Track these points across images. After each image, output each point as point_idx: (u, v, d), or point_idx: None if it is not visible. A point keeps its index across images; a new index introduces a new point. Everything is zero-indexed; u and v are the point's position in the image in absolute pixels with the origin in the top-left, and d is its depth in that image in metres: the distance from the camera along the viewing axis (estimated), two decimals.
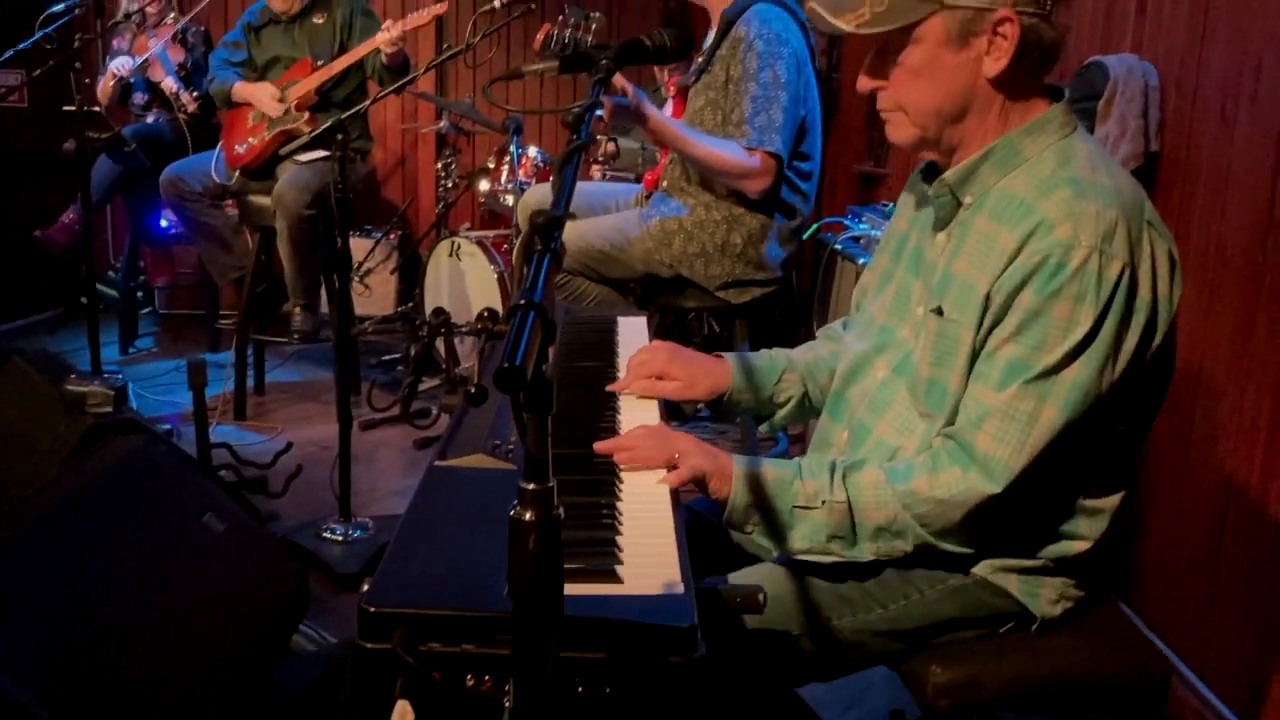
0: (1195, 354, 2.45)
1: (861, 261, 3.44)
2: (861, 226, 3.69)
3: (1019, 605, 1.61)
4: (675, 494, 1.49)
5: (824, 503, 1.52)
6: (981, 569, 1.59)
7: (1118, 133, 2.59)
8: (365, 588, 1.14)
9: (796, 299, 4.56)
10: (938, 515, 1.50)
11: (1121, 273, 1.42)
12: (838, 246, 3.70)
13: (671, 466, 1.55)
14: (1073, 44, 2.44)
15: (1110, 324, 1.42)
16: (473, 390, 0.90)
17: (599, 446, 1.57)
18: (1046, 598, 1.61)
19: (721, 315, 4.13)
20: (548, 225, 1.05)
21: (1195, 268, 2.47)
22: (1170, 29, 2.57)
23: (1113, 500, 1.58)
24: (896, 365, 1.62)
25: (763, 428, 1.96)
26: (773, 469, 1.55)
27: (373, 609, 1.11)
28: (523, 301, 0.91)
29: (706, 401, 1.88)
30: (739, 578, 1.59)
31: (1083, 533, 1.57)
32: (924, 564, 1.58)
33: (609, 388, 1.85)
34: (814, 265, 4.16)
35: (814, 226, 3.96)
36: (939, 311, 1.53)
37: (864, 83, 1.54)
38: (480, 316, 0.96)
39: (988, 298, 1.47)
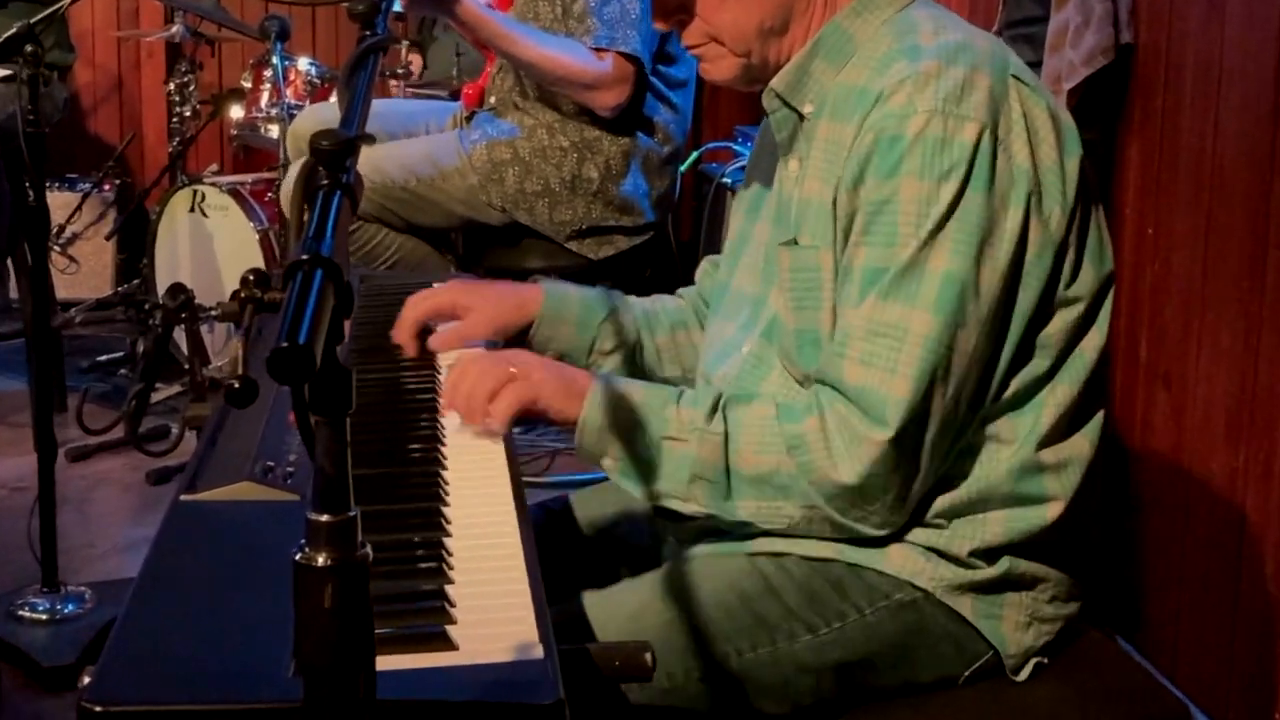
0: (1193, 304, 2.53)
1: None
2: None
3: (981, 636, 1.65)
4: (522, 506, 1.52)
5: (696, 431, 1.59)
6: (931, 582, 1.64)
7: (1079, 20, 2.66)
8: (86, 680, 1.12)
9: (675, 252, 4.57)
10: (828, 470, 1.55)
11: (980, 136, 1.52)
12: (726, 180, 3.74)
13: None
14: None
15: (976, 199, 1.52)
16: (236, 386, 0.88)
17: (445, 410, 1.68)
18: (1013, 621, 1.66)
19: (575, 276, 4.10)
20: (337, 150, 1.04)
21: (1188, 190, 2.55)
22: None
23: (1079, 446, 1.64)
24: (765, 330, 1.71)
25: None
26: (643, 389, 1.65)
27: (98, 709, 1.09)
28: (306, 257, 0.90)
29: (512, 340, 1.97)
30: (614, 597, 1.62)
31: (1047, 492, 1.63)
32: (853, 568, 1.63)
33: (395, 336, 1.93)
34: (696, 207, 4.18)
35: (693, 155, 3.99)
36: (794, 243, 1.64)
37: (661, 23, 1.70)
38: (244, 283, 0.94)
39: (834, 205, 1.59)
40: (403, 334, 1.93)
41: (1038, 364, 1.60)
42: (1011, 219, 1.54)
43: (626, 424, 1.61)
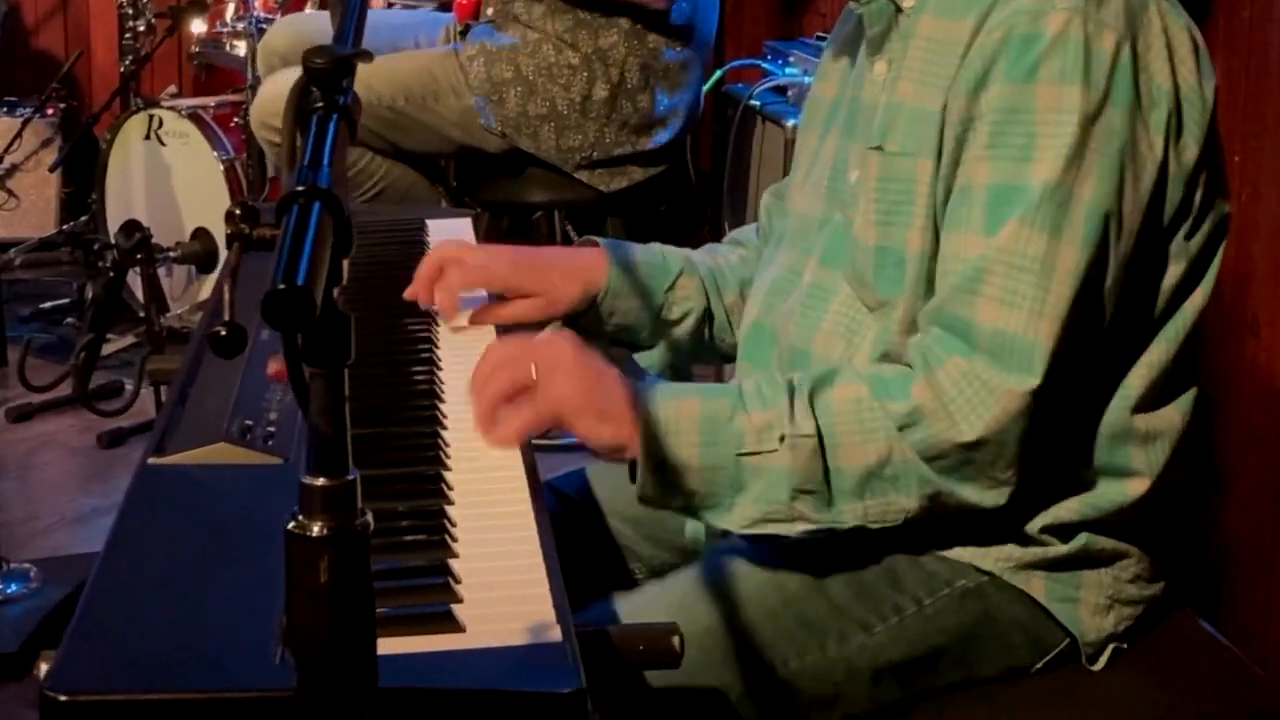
0: None
1: (792, 123, 3.45)
2: (790, 71, 3.72)
3: (1055, 622, 1.65)
4: (532, 471, 1.51)
5: (783, 439, 1.53)
6: (997, 563, 1.62)
7: None
8: (44, 668, 1.12)
9: (694, 184, 4.56)
10: (950, 436, 1.51)
11: (1118, 48, 1.51)
12: (754, 102, 3.71)
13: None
14: None
15: (1118, 117, 1.51)
16: (223, 334, 0.87)
17: (489, 437, 1.58)
18: (1091, 604, 1.65)
19: (583, 212, 4.11)
20: (332, 69, 1.04)
21: (1278, 111, 2.53)
22: None
23: (1170, 419, 1.63)
24: (826, 253, 1.69)
25: (645, 362, 2.00)
26: (698, 402, 1.56)
27: (64, 698, 1.09)
28: (302, 188, 0.90)
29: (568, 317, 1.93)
30: (642, 606, 1.61)
31: (1132, 466, 1.62)
32: (914, 548, 1.61)
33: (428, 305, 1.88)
34: (719, 134, 4.16)
35: (716, 74, 3.96)
36: (880, 150, 1.63)
37: None
38: (230, 217, 0.94)
39: (944, 110, 1.56)
40: (419, 280, 1.88)
41: (1142, 318, 1.59)
42: (1154, 145, 1.52)
43: (692, 456, 1.54)
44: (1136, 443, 1.62)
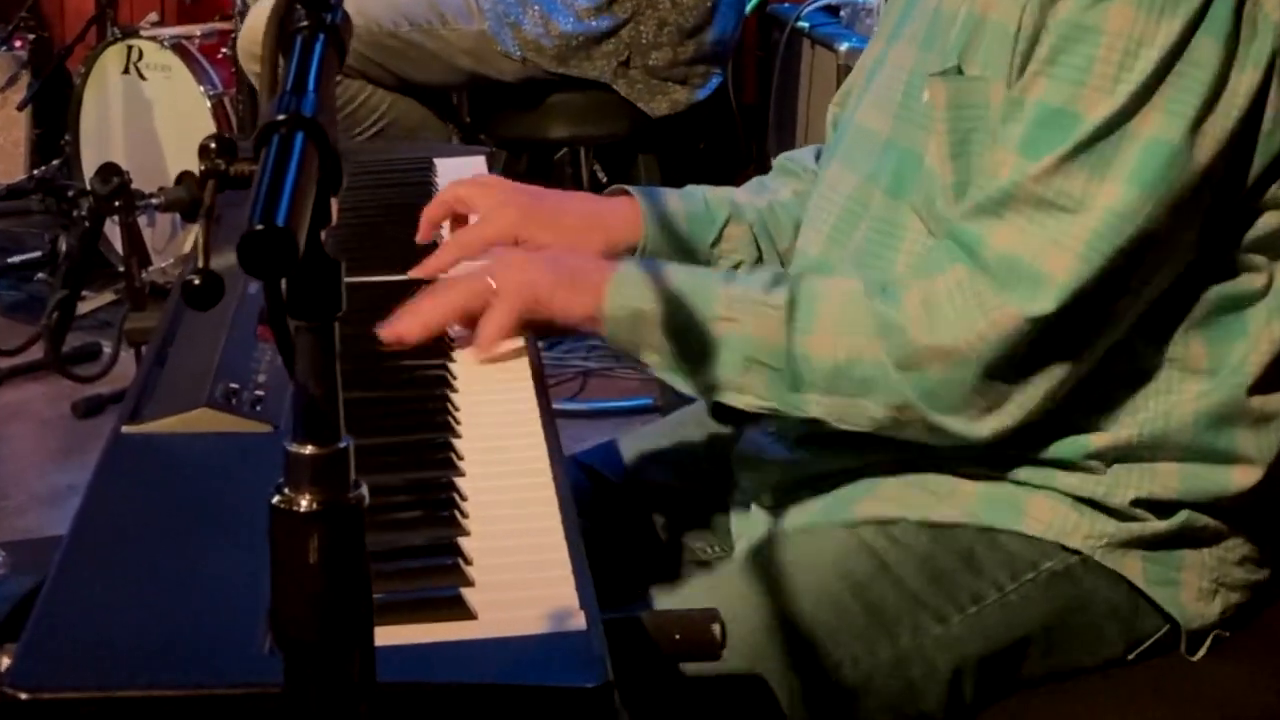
0: None
1: (845, 47, 3.45)
2: None
3: (1154, 608, 1.64)
4: (552, 437, 1.52)
5: (754, 304, 1.60)
6: (1088, 541, 1.62)
7: None
8: (4, 662, 1.12)
9: (736, 119, 4.56)
10: (923, 339, 1.54)
11: None
12: (802, 24, 3.72)
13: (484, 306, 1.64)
14: None
15: (1207, 46, 1.49)
16: (196, 282, 0.86)
17: (382, 332, 1.64)
18: (1194, 587, 1.65)
19: (612, 150, 4.12)
20: None
21: None
22: None
23: None
24: (894, 183, 1.68)
25: None
26: (683, 269, 1.67)
27: (25, 696, 1.09)
28: (283, 117, 0.89)
29: None
30: (685, 593, 1.62)
31: (1238, 450, 1.62)
32: (986, 533, 1.61)
33: (414, 273, 1.87)
34: (762, 62, 4.15)
35: None
36: (958, 71, 1.62)
37: None
38: (204, 152, 0.93)
39: (1019, 28, 1.56)
40: (428, 270, 1.86)
41: (1249, 280, 1.58)
42: (1247, 80, 1.50)
43: (666, 307, 1.60)
44: (1247, 425, 1.61)
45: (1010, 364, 1.52)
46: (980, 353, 1.52)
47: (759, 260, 1.92)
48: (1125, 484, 1.60)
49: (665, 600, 1.62)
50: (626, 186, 1.94)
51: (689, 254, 1.89)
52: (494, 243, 1.84)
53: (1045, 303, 1.49)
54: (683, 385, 1.64)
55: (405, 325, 1.63)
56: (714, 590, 1.62)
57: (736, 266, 1.91)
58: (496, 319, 1.63)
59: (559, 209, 1.91)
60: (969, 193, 1.57)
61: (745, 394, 1.61)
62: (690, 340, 1.60)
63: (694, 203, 1.93)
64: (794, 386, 1.59)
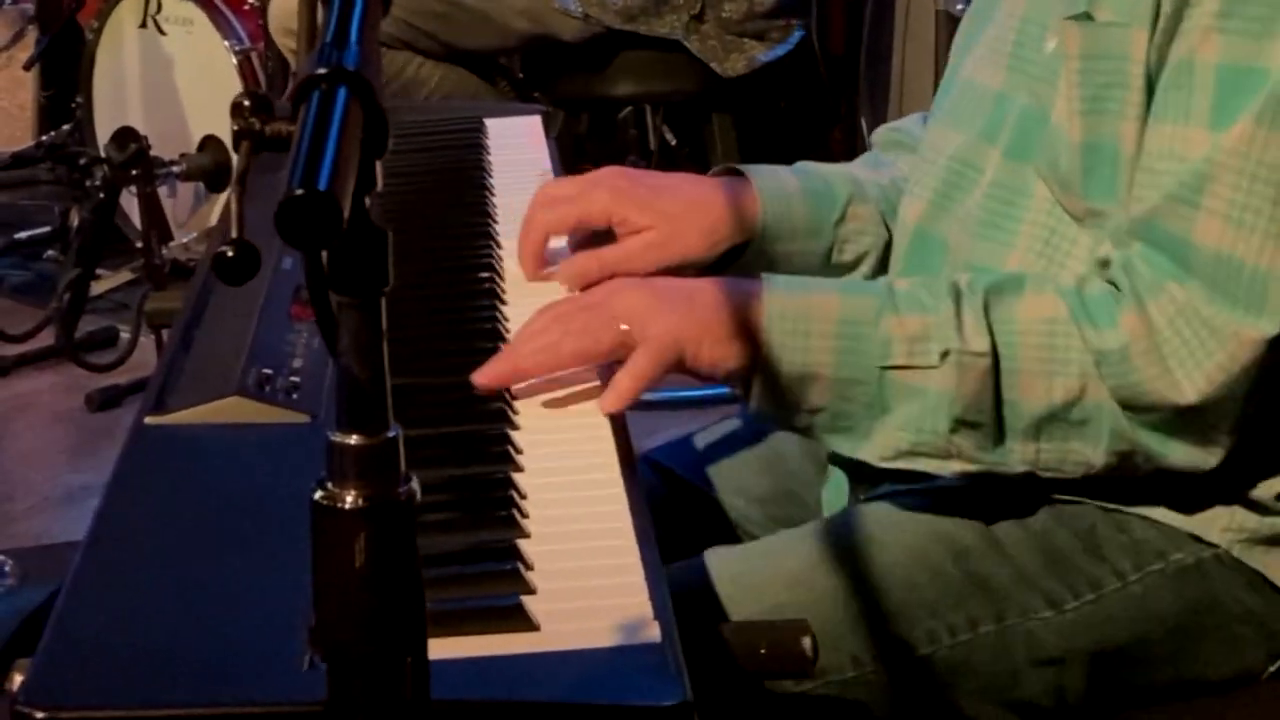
0: None
1: (960, 6, 3.45)
2: None
3: None
4: (620, 430, 1.52)
5: (946, 355, 1.54)
6: (1225, 535, 1.62)
7: None
8: (18, 679, 1.14)
9: (822, 74, 4.55)
10: (1164, 391, 1.50)
11: None
12: None
13: (619, 357, 1.57)
14: None
15: None
16: (230, 254, 0.87)
17: (481, 377, 1.58)
18: None
19: (682, 109, 4.12)
20: None
21: None
22: None
23: None
24: (1014, 144, 1.67)
25: None
26: (836, 296, 1.59)
27: (40, 715, 1.10)
28: (324, 71, 0.90)
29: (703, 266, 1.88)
30: (760, 558, 1.64)
31: None
32: (1111, 515, 1.61)
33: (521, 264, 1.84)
34: (852, 10, 4.15)
35: None
36: (1087, 18, 1.60)
37: None
38: (236, 111, 0.94)
39: None
40: (525, 254, 1.84)
41: None
42: None
43: (825, 364, 1.55)
44: None
45: (1241, 386, 1.51)
46: (1223, 392, 1.50)
47: (888, 244, 1.89)
48: (1272, 474, 1.60)
49: (726, 563, 1.62)
50: (736, 165, 1.91)
51: (811, 235, 1.87)
52: (583, 222, 1.83)
53: (1271, 316, 1.48)
54: (852, 450, 1.59)
55: (533, 361, 1.58)
56: (791, 550, 1.64)
57: (863, 255, 1.89)
58: (638, 373, 1.57)
59: (657, 190, 1.85)
60: (1149, 186, 1.53)
61: (952, 460, 1.57)
62: (855, 403, 1.56)
63: (812, 179, 1.90)
64: (998, 441, 1.55)
